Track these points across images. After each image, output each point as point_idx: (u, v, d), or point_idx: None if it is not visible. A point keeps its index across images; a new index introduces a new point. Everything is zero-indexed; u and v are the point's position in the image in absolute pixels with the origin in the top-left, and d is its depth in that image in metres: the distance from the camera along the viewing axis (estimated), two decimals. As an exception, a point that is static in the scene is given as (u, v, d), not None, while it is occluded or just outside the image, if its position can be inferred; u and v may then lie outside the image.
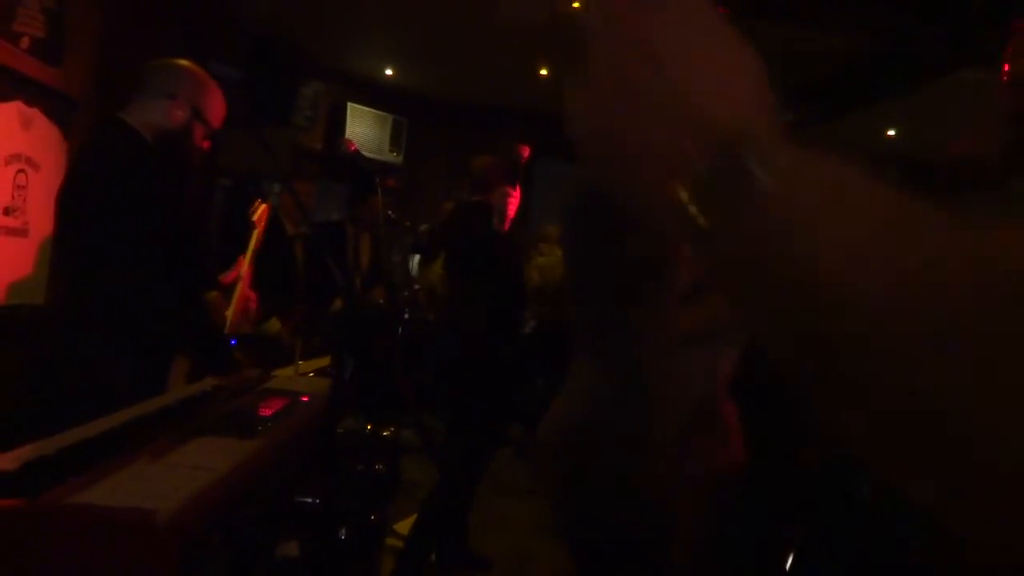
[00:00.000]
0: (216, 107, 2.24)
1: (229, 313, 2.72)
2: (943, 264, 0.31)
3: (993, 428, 0.29)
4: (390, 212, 4.38)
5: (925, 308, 0.31)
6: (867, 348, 0.32)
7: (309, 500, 1.38)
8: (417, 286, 5.10)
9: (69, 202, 2.06)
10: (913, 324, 0.31)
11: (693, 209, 0.37)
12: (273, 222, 3.39)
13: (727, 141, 0.37)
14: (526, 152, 3.67)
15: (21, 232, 2.94)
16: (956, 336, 0.30)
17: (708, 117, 0.38)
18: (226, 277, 2.80)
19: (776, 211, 0.35)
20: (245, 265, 2.90)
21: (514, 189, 3.21)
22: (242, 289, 2.81)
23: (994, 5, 3.88)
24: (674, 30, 0.40)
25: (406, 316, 4.66)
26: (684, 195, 0.38)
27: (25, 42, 2.87)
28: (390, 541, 2.91)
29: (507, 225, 3.16)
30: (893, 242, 0.33)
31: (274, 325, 3.61)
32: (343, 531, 1.54)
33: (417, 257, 5.41)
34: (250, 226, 3.01)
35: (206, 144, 2.25)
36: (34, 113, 3.00)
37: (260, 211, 3.04)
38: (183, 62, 2.21)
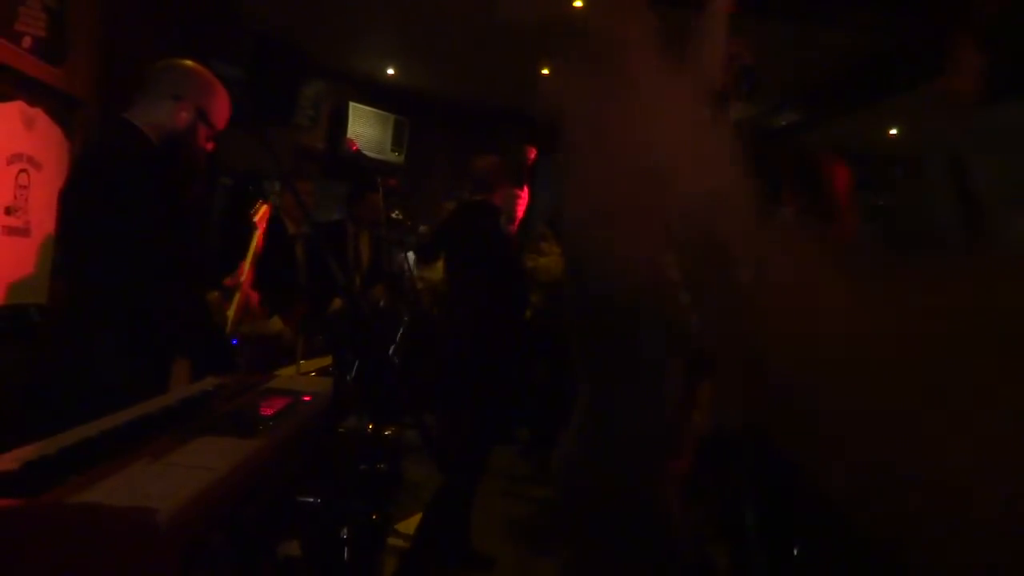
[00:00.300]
0: (221, 108, 2.24)
1: (230, 313, 2.73)
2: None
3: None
4: (395, 212, 4.38)
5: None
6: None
7: (311, 500, 1.38)
8: (420, 285, 5.09)
9: (72, 201, 2.06)
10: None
11: (679, 288, 0.40)
12: (274, 222, 3.39)
13: (710, 230, 0.39)
14: (533, 154, 3.66)
15: (23, 232, 2.95)
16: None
17: (692, 204, 0.40)
18: (230, 280, 2.81)
19: (747, 298, 0.38)
20: (246, 266, 2.90)
21: (521, 190, 3.21)
22: (243, 289, 2.82)
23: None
24: (651, 114, 0.42)
25: (406, 317, 4.66)
26: (672, 274, 0.40)
27: (27, 42, 2.88)
28: (392, 541, 2.91)
29: (515, 227, 3.16)
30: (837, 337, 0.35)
31: (275, 324, 3.62)
32: (345, 531, 1.54)
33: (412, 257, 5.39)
34: (251, 226, 3.02)
35: (210, 145, 2.25)
36: (36, 113, 3.00)
37: (261, 212, 3.04)
38: (189, 63, 2.20)
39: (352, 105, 6.67)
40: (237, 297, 2.78)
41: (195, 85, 2.18)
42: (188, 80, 2.17)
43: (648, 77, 0.44)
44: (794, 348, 0.36)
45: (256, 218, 3.03)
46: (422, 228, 5.25)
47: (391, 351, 4.14)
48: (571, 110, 0.46)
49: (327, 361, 3.03)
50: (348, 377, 3.15)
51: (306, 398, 1.57)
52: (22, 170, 2.93)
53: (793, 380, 0.36)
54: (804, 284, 0.38)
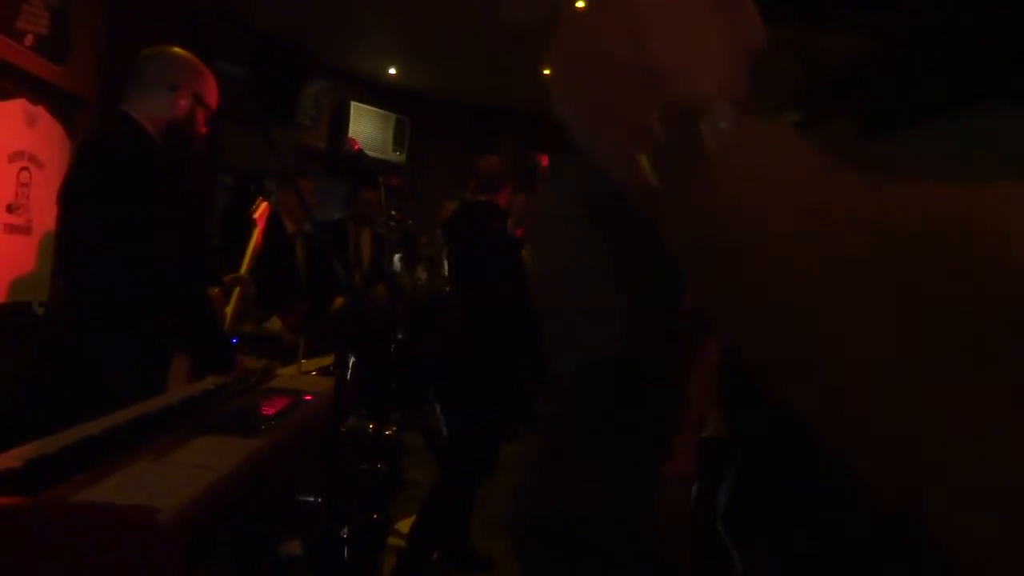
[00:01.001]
0: (212, 89, 2.25)
1: (228, 311, 2.73)
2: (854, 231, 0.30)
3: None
4: (394, 213, 4.38)
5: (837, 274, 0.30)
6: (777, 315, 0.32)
7: (311, 499, 1.38)
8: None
9: (72, 197, 2.06)
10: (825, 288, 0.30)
11: (649, 175, 0.38)
12: (273, 220, 3.39)
13: (687, 108, 0.37)
14: (545, 161, 3.65)
15: (24, 229, 2.95)
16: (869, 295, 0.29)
17: (674, 84, 0.39)
18: (230, 276, 2.81)
19: (714, 177, 0.35)
20: (245, 263, 2.91)
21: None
22: (242, 285, 2.82)
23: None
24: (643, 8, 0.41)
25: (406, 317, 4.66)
26: (644, 162, 0.38)
27: (29, 39, 2.88)
28: (392, 540, 2.91)
29: (522, 231, 3.16)
30: (816, 218, 0.32)
31: (275, 323, 3.62)
32: (345, 530, 1.54)
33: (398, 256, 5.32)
34: (251, 224, 3.02)
35: (206, 130, 2.26)
36: (38, 111, 3.00)
37: (261, 209, 3.05)
38: (176, 50, 2.20)
39: (353, 104, 6.68)
40: (237, 292, 2.79)
41: (188, 72, 2.17)
42: (181, 68, 2.17)
43: None
44: (772, 242, 0.32)
45: (256, 215, 3.03)
46: (423, 238, 5.22)
47: (392, 350, 4.14)
48: (566, 15, 0.43)
49: (328, 361, 3.04)
50: (348, 376, 3.15)
51: (308, 397, 1.57)
52: (23, 168, 2.93)
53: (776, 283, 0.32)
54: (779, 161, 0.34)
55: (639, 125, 0.39)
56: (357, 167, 4.79)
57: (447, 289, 4.27)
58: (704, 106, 0.37)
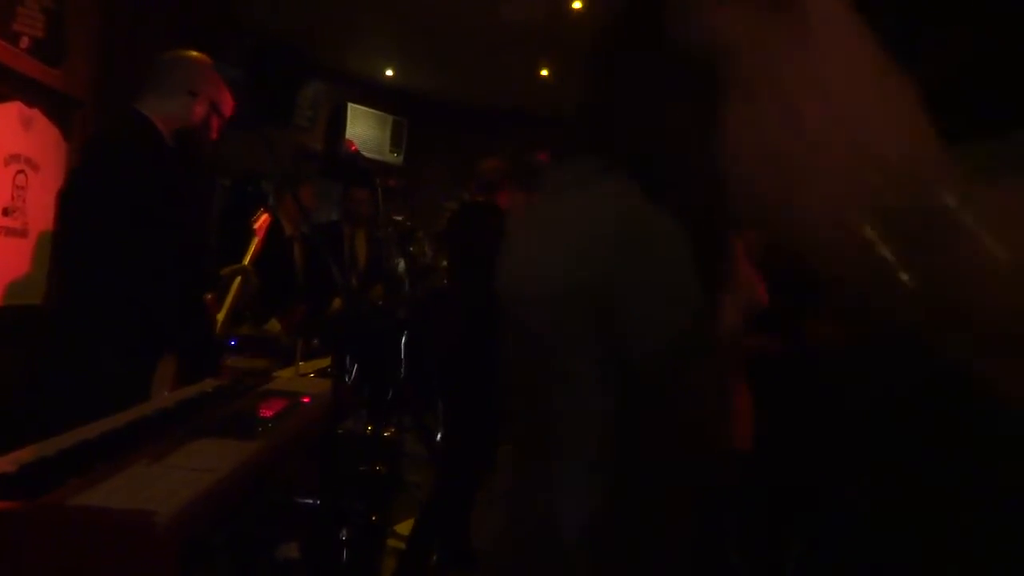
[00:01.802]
0: (227, 98, 2.26)
1: (220, 316, 2.72)
2: None
3: None
4: (396, 217, 4.37)
5: None
6: None
7: (310, 501, 1.38)
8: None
9: (79, 195, 2.04)
10: None
11: (883, 247, 0.38)
12: (272, 223, 3.39)
13: (915, 178, 0.38)
14: (546, 159, 3.64)
15: (20, 233, 2.94)
16: None
17: (883, 152, 0.39)
18: (227, 269, 2.79)
19: (981, 250, 0.36)
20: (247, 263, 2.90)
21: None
22: (237, 292, 2.81)
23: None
24: (834, 61, 0.40)
25: (404, 318, 4.65)
26: (871, 233, 0.38)
27: (25, 42, 2.87)
28: (391, 542, 2.91)
29: None
30: None
31: (273, 326, 3.61)
32: (344, 532, 1.54)
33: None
34: (250, 232, 3.01)
35: (217, 137, 2.27)
36: (34, 114, 2.99)
37: (262, 220, 3.04)
38: (197, 55, 2.21)
39: (351, 106, 6.66)
40: (237, 283, 2.77)
41: (207, 79, 2.19)
42: (201, 74, 2.18)
43: (829, 20, 0.42)
44: None
45: (256, 226, 3.03)
46: (419, 233, 5.20)
47: (391, 352, 4.13)
48: (743, 44, 0.43)
49: (326, 363, 3.03)
50: (348, 379, 3.14)
51: (305, 399, 1.57)
52: (19, 171, 2.93)
53: None
54: None
55: (844, 186, 0.39)
56: (353, 168, 4.78)
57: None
58: (929, 173, 0.37)
